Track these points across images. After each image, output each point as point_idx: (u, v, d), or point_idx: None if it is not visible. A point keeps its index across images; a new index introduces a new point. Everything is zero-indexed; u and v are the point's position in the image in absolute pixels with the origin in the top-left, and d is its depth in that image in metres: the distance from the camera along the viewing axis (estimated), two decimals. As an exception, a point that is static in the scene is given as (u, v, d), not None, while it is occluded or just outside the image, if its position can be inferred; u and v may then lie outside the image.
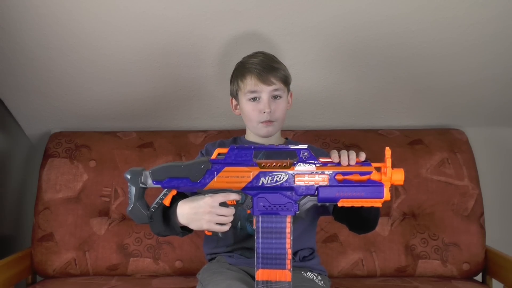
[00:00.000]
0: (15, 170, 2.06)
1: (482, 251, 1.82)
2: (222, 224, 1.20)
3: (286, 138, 1.58)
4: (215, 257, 1.47)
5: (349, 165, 1.14)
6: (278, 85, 1.42)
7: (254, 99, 1.43)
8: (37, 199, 1.88)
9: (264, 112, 1.41)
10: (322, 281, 1.40)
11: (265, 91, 1.41)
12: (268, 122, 1.42)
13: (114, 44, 1.72)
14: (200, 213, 1.20)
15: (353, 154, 1.16)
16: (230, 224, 1.21)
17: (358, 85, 1.89)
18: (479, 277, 1.86)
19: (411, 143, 1.93)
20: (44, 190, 1.88)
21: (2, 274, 1.65)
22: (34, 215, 1.87)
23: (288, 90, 1.49)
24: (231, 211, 1.19)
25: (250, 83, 1.42)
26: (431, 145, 1.92)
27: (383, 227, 1.84)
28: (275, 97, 1.43)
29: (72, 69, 1.80)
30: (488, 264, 1.81)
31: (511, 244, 1.91)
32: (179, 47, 1.74)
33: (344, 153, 1.16)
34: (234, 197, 1.18)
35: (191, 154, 1.89)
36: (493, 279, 1.80)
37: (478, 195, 1.87)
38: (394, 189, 1.86)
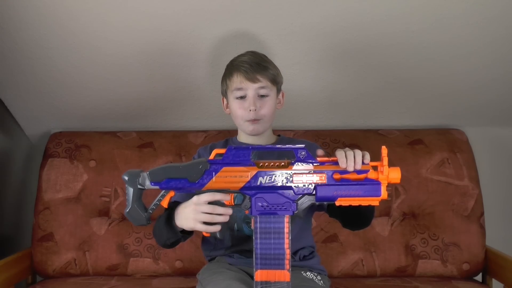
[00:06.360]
0: (15, 170, 2.06)
1: (482, 251, 1.82)
2: (211, 224, 1.19)
3: (279, 135, 1.55)
4: (215, 257, 1.47)
5: (354, 170, 1.13)
6: (264, 82, 1.41)
7: (241, 97, 1.42)
8: (37, 199, 1.88)
9: (250, 110, 1.40)
10: (321, 281, 1.40)
11: (251, 88, 1.40)
12: (254, 120, 1.41)
13: (114, 44, 1.72)
14: (187, 211, 1.20)
15: (359, 156, 1.13)
16: (219, 227, 1.19)
17: (358, 85, 1.89)
18: (479, 277, 1.86)
19: (411, 143, 1.93)
20: (44, 190, 1.88)
21: (2, 274, 1.65)
22: (34, 215, 1.87)
23: (278, 90, 1.48)
24: (215, 209, 1.17)
25: (236, 81, 1.42)
26: (431, 145, 1.92)
27: (383, 227, 1.84)
28: (262, 96, 1.42)
29: (72, 69, 1.80)
30: (488, 264, 1.81)
31: (511, 244, 1.91)
32: (179, 47, 1.74)
33: (350, 156, 1.13)
34: (219, 197, 1.17)
35: (191, 154, 1.88)
36: (493, 279, 1.80)
37: (478, 195, 1.87)
38: (394, 189, 1.86)
